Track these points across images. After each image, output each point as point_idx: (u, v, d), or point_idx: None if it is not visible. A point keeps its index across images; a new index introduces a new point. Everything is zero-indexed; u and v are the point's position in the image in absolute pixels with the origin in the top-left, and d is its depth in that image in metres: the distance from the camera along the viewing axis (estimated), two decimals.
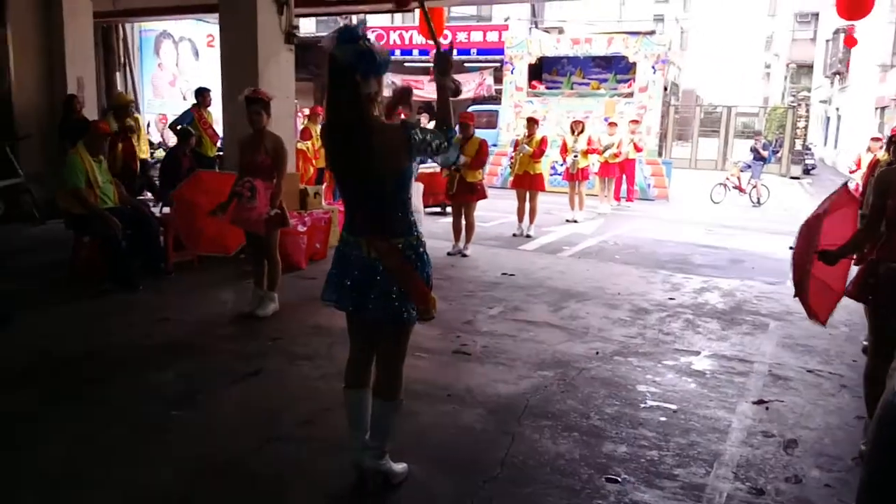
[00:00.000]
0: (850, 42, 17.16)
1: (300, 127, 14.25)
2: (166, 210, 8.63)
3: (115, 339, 6.24)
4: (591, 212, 15.32)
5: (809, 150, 32.21)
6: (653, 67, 19.42)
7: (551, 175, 18.74)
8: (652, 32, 23.95)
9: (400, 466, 3.89)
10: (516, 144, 12.62)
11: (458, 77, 17.59)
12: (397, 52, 26.99)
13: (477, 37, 26.71)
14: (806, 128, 29.84)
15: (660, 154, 22.23)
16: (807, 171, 29.79)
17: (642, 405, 5.05)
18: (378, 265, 3.49)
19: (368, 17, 28.11)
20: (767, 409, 5.06)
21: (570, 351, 6.15)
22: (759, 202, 18.92)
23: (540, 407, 4.94)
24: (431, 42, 4.00)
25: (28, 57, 12.02)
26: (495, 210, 14.01)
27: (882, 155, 10.40)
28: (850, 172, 14.26)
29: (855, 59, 34.16)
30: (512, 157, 12.68)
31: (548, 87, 21.28)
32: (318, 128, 12.60)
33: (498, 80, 23.45)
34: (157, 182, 12.12)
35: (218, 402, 4.96)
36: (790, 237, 4.38)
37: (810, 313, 4.49)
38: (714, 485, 3.97)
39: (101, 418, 4.63)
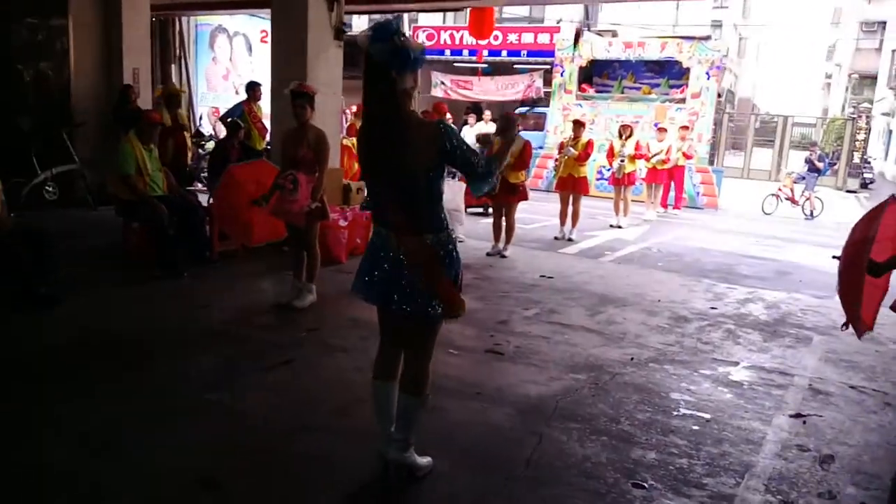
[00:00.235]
0: None
1: (346, 123, 14.31)
2: (213, 200, 8.71)
3: (157, 323, 6.34)
4: (637, 218, 15.17)
5: (868, 163, 31.60)
6: (707, 73, 19.13)
7: (597, 180, 18.64)
8: (707, 38, 23.73)
9: (425, 460, 3.90)
10: (561, 147, 12.54)
11: (507, 78, 17.74)
12: (447, 51, 27.00)
13: (528, 38, 26.61)
14: (866, 140, 29.26)
15: (711, 162, 21.97)
16: (864, 185, 29.18)
17: (675, 413, 4.98)
18: (406, 259, 3.49)
19: (419, 15, 28.28)
20: (805, 423, 4.96)
21: (604, 355, 6.09)
22: (811, 215, 18.58)
23: (569, 409, 4.90)
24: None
25: (87, 47, 12.28)
26: (538, 213, 13.99)
27: None
28: None
29: None
30: (557, 160, 12.60)
31: (598, 91, 21.09)
32: None
33: (547, 82, 23.35)
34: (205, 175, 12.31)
35: (251, 389, 5.01)
36: (840, 251, 4.28)
37: (860, 325, 4.33)
38: (744, 496, 3.90)
39: (137, 398, 4.72)
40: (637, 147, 14.71)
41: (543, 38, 26.13)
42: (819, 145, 23.80)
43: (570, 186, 12.07)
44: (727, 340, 6.82)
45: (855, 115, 30.88)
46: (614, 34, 30.30)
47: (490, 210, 11.67)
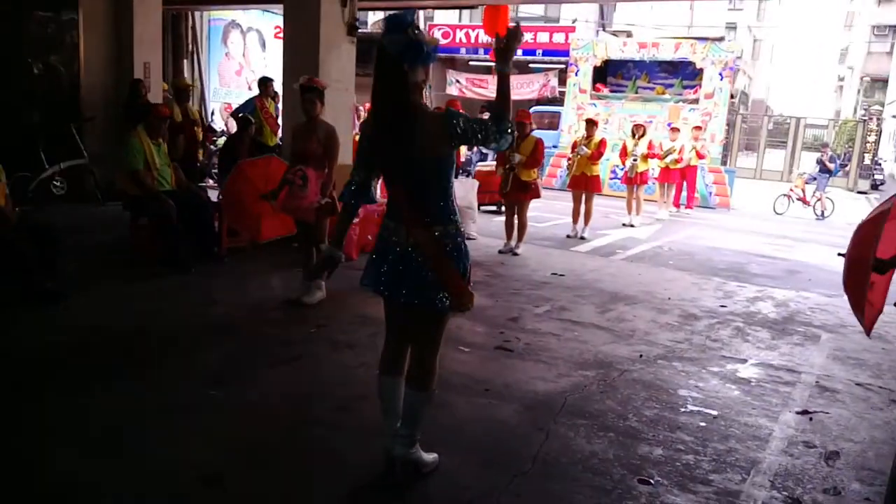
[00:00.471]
0: None
1: (359, 121, 14.33)
2: (221, 195, 8.73)
3: (163, 319, 6.33)
4: (649, 217, 15.13)
5: (879, 164, 31.51)
6: (720, 74, 19.10)
7: (611, 179, 18.63)
8: (721, 39, 23.66)
9: (430, 456, 3.89)
10: (574, 146, 12.54)
11: (522, 77, 17.75)
12: (462, 50, 27.01)
13: (543, 38, 26.61)
14: (876, 142, 29.22)
15: (724, 162, 21.91)
16: (875, 187, 29.11)
17: (682, 409, 4.98)
18: (415, 252, 3.49)
19: (435, 13, 28.29)
20: (811, 419, 4.95)
21: (613, 352, 6.09)
22: (822, 215, 18.55)
23: (577, 406, 4.90)
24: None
25: (97, 41, 12.27)
26: (551, 211, 14.00)
27: None
28: None
29: None
30: (570, 159, 12.60)
31: (612, 91, 21.07)
32: None
33: (562, 81, 23.34)
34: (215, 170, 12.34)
35: (256, 385, 4.99)
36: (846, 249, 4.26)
37: (867, 324, 4.31)
38: (749, 492, 3.89)
39: (142, 394, 4.71)
40: (650, 146, 14.66)
41: (559, 38, 26.16)
42: (830, 147, 23.73)
43: (583, 185, 12.06)
44: (736, 338, 6.80)
45: (866, 118, 30.78)
46: (629, 35, 30.27)
47: (503, 208, 11.67)
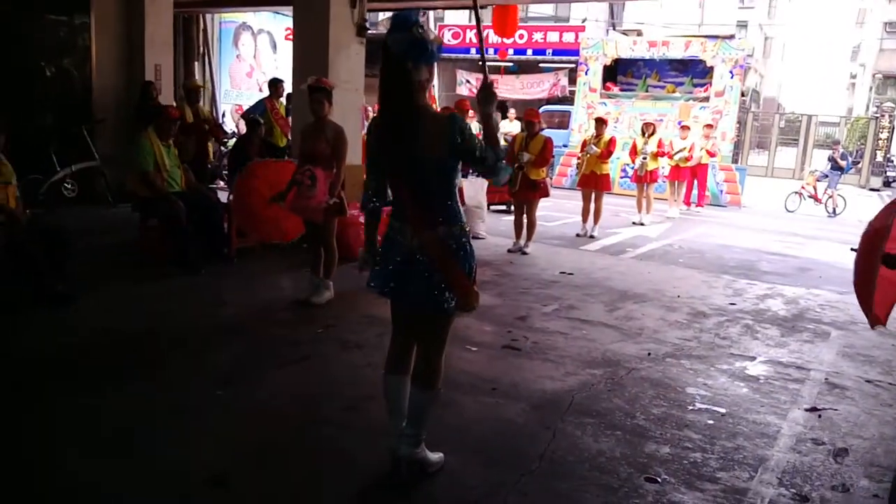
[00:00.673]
0: None
1: (368, 122, 14.34)
2: (232, 198, 8.76)
3: (173, 320, 6.36)
4: (660, 215, 15.11)
5: (891, 161, 31.38)
6: (730, 72, 19.04)
7: (621, 177, 18.60)
8: (731, 37, 23.60)
9: (436, 456, 3.89)
10: (584, 144, 12.52)
11: (532, 77, 17.78)
12: (473, 50, 27.01)
13: (553, 37, 26.59)
14: (889, 139, 29.07)
15: (735, 160, 21.83)
16: (887, 184, 29.02)
17: (690, 407, 4.97)
18: (420, 252, 3.50)
19: (445, 14, 28.31)
20: (820, 416, 4.94)
21: (621, 351, 6.09)
22: (834, 212, 18.48)
23: (585, 404, 4.90)
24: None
25: (109, 43, 12.35)
26: (561, 210, 14.00)
27: None
28: None
29: None
30: (580, 158, 12.59)
31: (622, 90, 21.02)
32: None
33: (572, 81, 23.32)
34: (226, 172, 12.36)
35: (264, 385, 5.01)
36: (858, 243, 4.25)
37: (872, 316, 4.30)
38: (757, 489, 3.89)
39: (151, 395, 4.73)
40: (660, 145, 14.63)
41: (568, 37, 26.12)
42: (842, 144, 23.65)
43: (593, 184, 12.05)
44: (745, 335, 6.80)
45: (878, 115, 30.64)
46: (639, 33, 30.22)
47: (512, 207, 11.67)
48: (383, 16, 22.24)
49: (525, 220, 10.24)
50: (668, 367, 5.77)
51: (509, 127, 20.04)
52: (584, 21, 27.71)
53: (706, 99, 19.27)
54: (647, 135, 14.33)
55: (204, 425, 4.35)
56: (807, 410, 5.04)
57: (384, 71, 3.47)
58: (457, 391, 4.85)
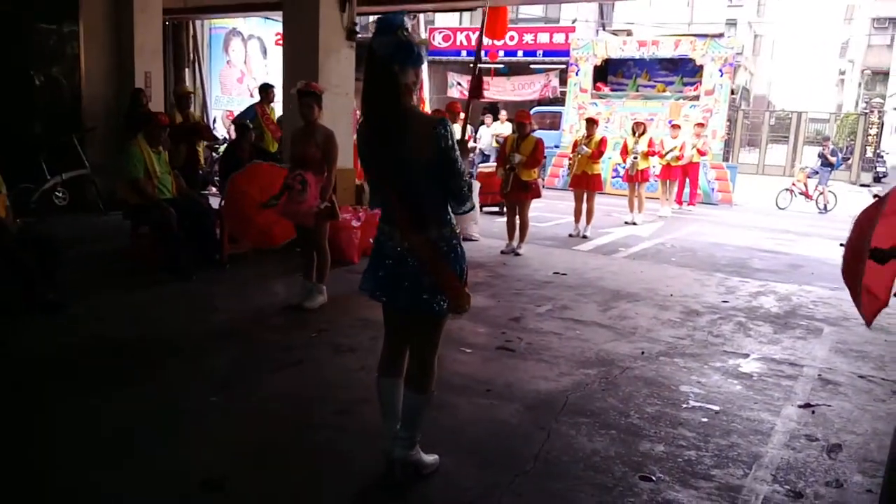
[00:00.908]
0: None
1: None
2: (223, 202, 8.75)
3: (165, 327, 6.34)
4: (651, 214, 15.14)
5: (881, 157, 31.52)
6: (720, 70, 19.12)
7: (612, 177, 18.64)
8: (720, 35, 23.65)
9: (431, 458, 3.89)
10: (575, 145, 12.55)
11: (523, 78, 17.76)
12: (463, 52, 27.03)
13: (543, 38, 26.60)
14: (878, 135, 29.20)
15: (726, 158, 21.89)
16: (877, 179, 29.17)
17: (684, 405, 4.98)
18: (410, 256, 3.50)
19: (436, 17, 28.31)
20: (814, 412, 4.95)
21: (615, 350, 6.10)
22: (825, 209, 18.56)
23: (579, 404, 4.91)
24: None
25: (98, 52, 12.31)
26: (553, 211, 14.02)
27: None
28: None
29: None
30: (571, 158, 12.61)
31: (613, 90, 21.09)
32: None
33: (563, 82, 23.35)
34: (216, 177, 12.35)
35: (258, 390, 5.00)
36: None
37: (864, 310, 4.30)
38: (751, 486, 3.89)
39: (144, 402, 4.71)
40: (650, 144, 14.66)
41: (559, 38, 26.12)
42: (832, 140, 23.73)
43: (585, 184, 12.07)
44: (738, 333, 6.81)
45: (868, 111, 30.77)
46: (629, 33, 30.25)
47: (505, 209, 11.67)
48: (372, 20, 22.26)
49: (517, 222, 10.25)
50: (662, 365, 5.78)
51: (500, 129, 20.11)
52: (574, 22, 27.70)
53: (696, 98, 19.38)
54: (637, 134, 14.36)
55: (201, 429, 4.35)
56: (800, 407, 5.05)
57: (370, 74, 3.45)
58: (451, 393, 4.85)
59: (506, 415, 4.71)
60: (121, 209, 8.53)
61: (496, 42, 22.05)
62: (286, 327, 6.46)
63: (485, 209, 13.35)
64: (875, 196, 4.11)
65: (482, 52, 12.49)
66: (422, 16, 25.84)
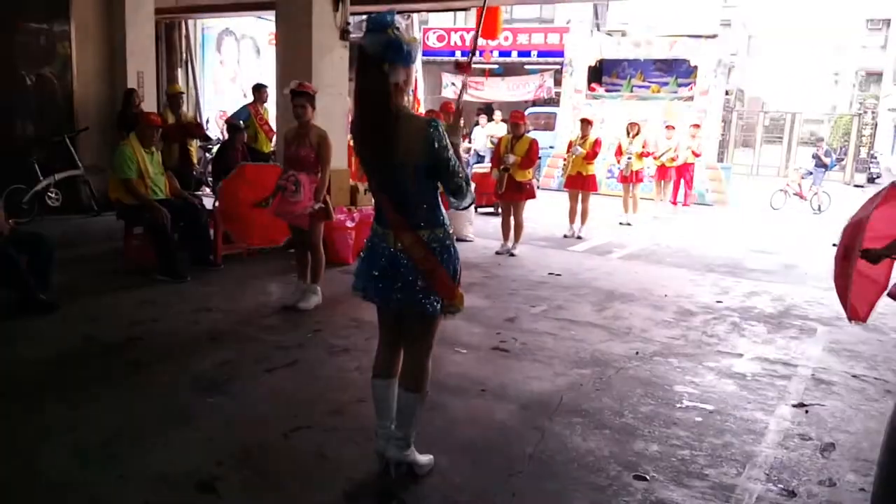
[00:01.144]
0: None
1: None
2: (217, 203, 8.73)
3: (159, 327, 6.32)
4: (646, 215, 15.14)
5: (875, 158, 31.56)
6: (714, 71, 19.15)
7: (607, 178, 18.64)
8: (715, 36, 23.67)
9: (426, 458, 3.89)
10: (570, 146, 12.55)
11: (518, 79, 17.79)
12: (458, 52, 27.01)
13: (538, 39, 26.60)
14: (872, 136, 29.26)
15: (720, 159, 21.92)
16: (871, 180, 29.18)
17: (678, 405, 4.98)
18: (403, 257, 3.50)
19: (430, 17, 28.27)
20: (807, 412, 4.96)
21: (609, 350, 6.10)
22: (819, 209, 18.57)
23: (573, 404, 4.90)
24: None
25: (90, 51, 12.29)
26: (548, 211, 13.98)
27: None
28: None
29: None
30: (566, 159, 12.61)
31: (607, 90, 21.10)
32: None
33: (557, 82, 23.35)
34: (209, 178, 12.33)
35: (251, 390, 5.00)
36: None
37: (850, 312, 4.32)
38: (745, 485, 3.90)
39: (139, 401, 4.72)
40: (644, 145, 14.68)
41: (553, 39, 26.11)
42: (826, 141, 23.78)
43: (579, 184, 12.08)
44: (732, 333, 6.82)
45: (862, 111, 30.82)
46: (623, 34, 30.25)
47: (499, 209, 11.68)
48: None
49: (512, 222, 10.25)
50: (656, 365, 5.78)
51: (495, 129, 20.08)
52: (568, 22, 27.69)
53: (691, 98, 19.36)
54: (631, 135, 14.38)
55: (193, 431, 4.33)
56: (794, 406, 5.05)
57: (360, 73, 3.45)
58: (446, 393, 4.86)
59: (500, 415, 4.71)
60: (114, 210, 8.49)
61: (490, 42, 22.07)
62: (281, 328, 6.45)
63: (479, 210, 13.35)
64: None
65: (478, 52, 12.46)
66: (416, 16, 25.84)
